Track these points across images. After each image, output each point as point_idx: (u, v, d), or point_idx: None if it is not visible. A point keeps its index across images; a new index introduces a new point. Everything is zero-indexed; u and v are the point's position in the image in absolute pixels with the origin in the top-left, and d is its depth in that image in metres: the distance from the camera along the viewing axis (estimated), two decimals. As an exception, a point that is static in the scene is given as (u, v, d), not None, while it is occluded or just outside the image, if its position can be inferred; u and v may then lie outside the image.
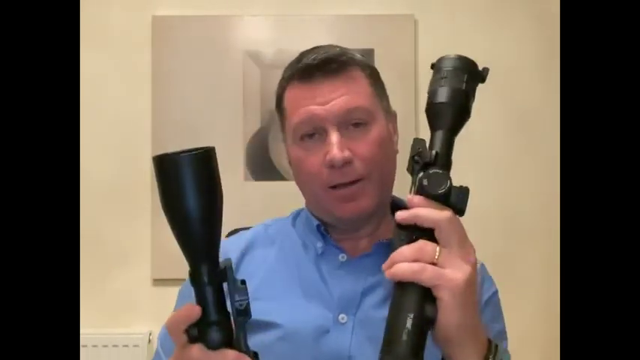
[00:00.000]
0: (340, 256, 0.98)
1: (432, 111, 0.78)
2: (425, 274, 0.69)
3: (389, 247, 0.96)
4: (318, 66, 0.94)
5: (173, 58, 2.11)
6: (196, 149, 0.70)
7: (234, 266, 1.01)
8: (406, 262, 0.70)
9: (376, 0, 2.15)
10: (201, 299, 0.71)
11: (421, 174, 0.74)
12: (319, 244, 0.99)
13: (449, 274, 0.69)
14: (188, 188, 0.68)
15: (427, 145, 0.77)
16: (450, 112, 0.77)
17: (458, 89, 0.77)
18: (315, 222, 1.00)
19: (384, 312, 0.71)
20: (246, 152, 2.11)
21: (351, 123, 0.94)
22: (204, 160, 0.69)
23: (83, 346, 1.99)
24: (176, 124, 2.09)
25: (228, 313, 0.71)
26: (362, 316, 0.93)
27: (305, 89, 0.95)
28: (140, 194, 2.07)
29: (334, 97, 0.93)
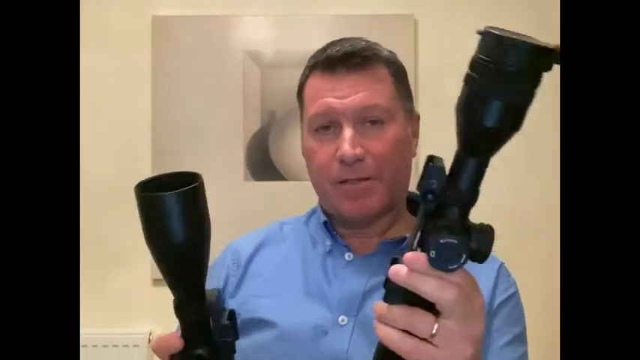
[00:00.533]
0: (346, 255, 0.96)
1: (472, 131, 0.57)
2: (416, 357, 0.60)
3: (395, 246, 0.95)
4: (342, 59, 0.93)
5: (173, 58, 2.11)
6: (182, 177, 0.65)
7: (244, 263, 1.00)
8: (396, 328, 0.61)
9: (376, 0, 2.15)
10: (185, 333, 0.69)
11: (431, 237, 0.58)
12: (328, 242, 0.98)
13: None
14: (174, 226, 0.63)
15: (446, 172, 0.59)
16: (501, 138, 0.57)
17: (518, 107, 0.55)
18: (323, 218, 0.99)
19: None
20: (246, 152, 2.11)
21: (368, 120, 0.92)
22: (192, 196, 0.64)
23: (83, 346, 1.99)
24: (176, 124, 2.09)
25: (215, 343, 0.69)
26: (363, 317, 0.91)
27: (326, 81, 0.94)
28: (140, 194, 2.07)
29: (353, 92, 0.92)
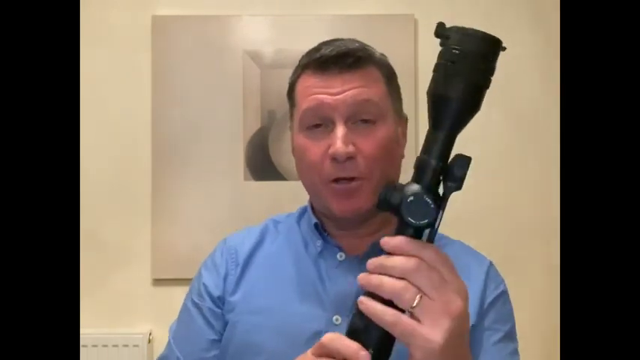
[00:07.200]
0: (338, 255, 0.97)
1: (438, 105, 0.66)
2: (397, 328, 0.64)
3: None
4: (335, 58, 0.93)
5: (173, 58, 2.11)
6: None
7: (242, 262, 1.01)
8: (382, 297, 0.65)
9: (376, 0, 2.15)
10: None
11: (402, 202, 0.66)
12: (319, 243, 0.99)
13: (424, 333, 0.63)
14: None
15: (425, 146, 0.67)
16: (462, 110, 0.66)
17: (475, 84, 0.66)
18: (314, 220, 1.00)
19: None
20: (246, 152, 2.11)
21: (360, 119, 0.92)
22: None
23: (83, 346, 1.99)
24: (176, 124, 2.09)
25: None
26: None
27: (318, 79, 0.94)
28: (140, 194, 2.07)
29: (346, 89, 0.92)
